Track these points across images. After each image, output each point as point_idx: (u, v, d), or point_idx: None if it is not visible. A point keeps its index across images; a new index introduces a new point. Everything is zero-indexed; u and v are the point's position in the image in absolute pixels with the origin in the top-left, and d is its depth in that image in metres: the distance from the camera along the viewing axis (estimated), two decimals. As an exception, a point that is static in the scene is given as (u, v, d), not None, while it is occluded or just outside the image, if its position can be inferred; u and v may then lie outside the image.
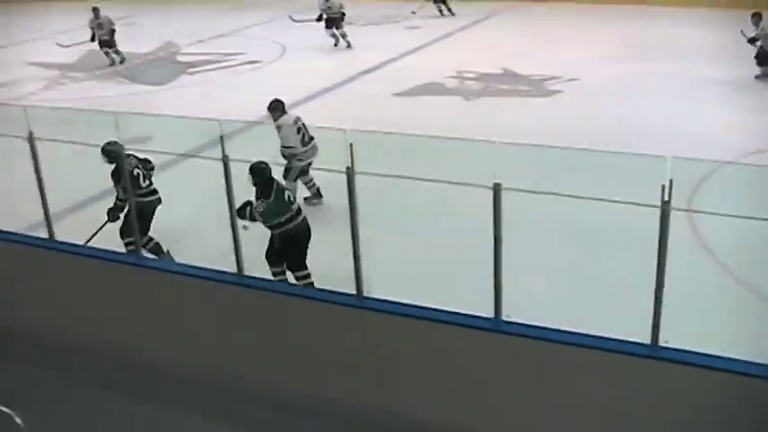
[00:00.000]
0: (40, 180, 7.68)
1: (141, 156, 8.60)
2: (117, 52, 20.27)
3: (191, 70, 19.41)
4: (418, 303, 6.17)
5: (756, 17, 15.45)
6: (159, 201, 8.71)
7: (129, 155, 8.21)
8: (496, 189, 5.58)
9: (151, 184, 8.69)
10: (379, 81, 17.02)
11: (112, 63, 20.21)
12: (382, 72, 17.93)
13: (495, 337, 5.88)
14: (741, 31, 15.50)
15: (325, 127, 6.12)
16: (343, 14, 20.38)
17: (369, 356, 6.35)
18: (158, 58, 21.22)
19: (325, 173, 6.14)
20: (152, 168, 8.81)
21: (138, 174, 8.48)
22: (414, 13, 24.30)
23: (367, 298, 6.36)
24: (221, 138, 6.54)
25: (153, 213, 8.66)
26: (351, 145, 5.88)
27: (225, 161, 6.58)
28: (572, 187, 5.61)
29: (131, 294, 7.35)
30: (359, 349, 6.38)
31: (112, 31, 20.11)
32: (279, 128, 9.49)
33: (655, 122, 12.59)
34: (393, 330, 6.27)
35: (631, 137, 11.37)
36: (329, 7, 20.12)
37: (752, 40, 15.33)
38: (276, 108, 9.86)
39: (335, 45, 20.51)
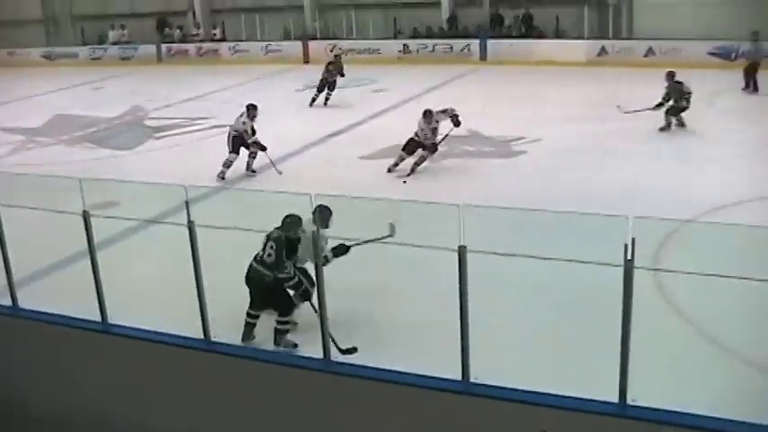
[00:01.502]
0: (3, 246, 7.61)
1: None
2: None
3: (158, 135, 19.39)
4: (385, 366, 6.13)
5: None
6: None
7: None
8: (461, 252, 5.61)
9: None
10: (345, 144, 17.09)
11: None
12: (349, 135, 18.02)
13: (463, 399, 5.83)
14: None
15: (291, 192, 6.16)
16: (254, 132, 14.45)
17: (336, 420, 6.29)
18: (125, 123, 21.22)
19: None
20: None
21: None
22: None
23: (334, 362, 6.33)
24: (186, 203, 6.54)
25: None
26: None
27: (190, 227, 6.58)
28: (537, 248, 5.65)
29: (101, 362, 7.27)
30: (325, 411, 6.34)
31: None
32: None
33: (617, 181, 12.75)
34: (358, 394, 6.21)
35: (595, 197, 11.47)
36: (246, 131, 14.33)
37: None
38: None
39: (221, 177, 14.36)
